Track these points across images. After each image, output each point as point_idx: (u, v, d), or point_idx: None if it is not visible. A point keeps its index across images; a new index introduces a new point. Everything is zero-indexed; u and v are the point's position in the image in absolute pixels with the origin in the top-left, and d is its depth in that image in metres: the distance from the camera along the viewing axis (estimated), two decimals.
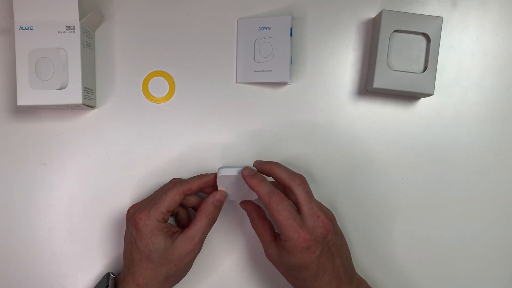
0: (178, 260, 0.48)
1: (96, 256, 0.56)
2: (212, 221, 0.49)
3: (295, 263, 0.46)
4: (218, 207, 0.50)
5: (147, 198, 0.51)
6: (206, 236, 0.49)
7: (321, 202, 0.50)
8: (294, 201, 0.47)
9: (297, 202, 0.47)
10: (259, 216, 0.51)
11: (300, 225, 0.45)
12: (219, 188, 0.50)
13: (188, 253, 0.48)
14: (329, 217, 0.47)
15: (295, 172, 0.48)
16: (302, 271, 0.46)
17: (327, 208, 0.50)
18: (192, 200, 0.52)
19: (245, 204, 0.52)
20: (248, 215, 0.52)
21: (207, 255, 0.55)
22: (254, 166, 0.50)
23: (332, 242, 0.47)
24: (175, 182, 0.49)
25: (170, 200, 0.48)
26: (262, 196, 0.46)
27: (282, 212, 0.45)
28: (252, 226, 0.51)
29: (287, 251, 0.46)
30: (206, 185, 0.50)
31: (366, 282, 0.51)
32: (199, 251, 0.49)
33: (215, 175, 0.50)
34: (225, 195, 0.50)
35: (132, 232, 0.48)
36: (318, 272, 0.46)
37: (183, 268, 0.49)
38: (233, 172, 0.48)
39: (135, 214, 0.48)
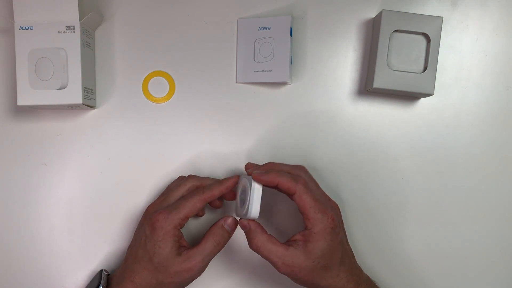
0: (175, 274, 0.47)
1: (96, 256, 0.56)
2: (218, 245, 0.48)
3: (325, 249, 0.45)
4: (228, 232, 0.48)
5: (163, 195, 0.51)
6: (210, 259, 0.48)
7: None
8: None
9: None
10: (263, 231, 0.47)
11: (326, 207, 0.46)
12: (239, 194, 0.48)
13: (185, 270, 0.47)
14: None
15: (291, 165, 0.49)
16: (331, 257, 0.46)
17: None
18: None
19: (250, 220, 0.47)
20: (250, 233, 0.47)
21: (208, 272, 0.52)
22: (256, 175, 0.47)
23: (343, 225, 0.49)
24: (198, 190, 0.48)
25: (191, 207, 0.47)
26: (287, 183, 0.45)
27: (310, 194, 0.45)
28: (256, 245, 0.46)
29: (316, 239, 0.45)
30: (227, 190, 0.49)
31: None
32: (200, 273, 0.48)
33: (236, 179, 0.49)
34: (236, 222, 0.49)
35: (146, 230, 0.48)
36: (343, 255, 0.47)
37: (178, 283, 0.48)
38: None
39: (154, 213, 0.48)
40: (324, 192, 0.50)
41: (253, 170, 0.48)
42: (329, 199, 0.49)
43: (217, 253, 0.48)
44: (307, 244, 0.45)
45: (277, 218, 0.56)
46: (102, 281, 0.50)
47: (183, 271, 0.47)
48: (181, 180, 0.52)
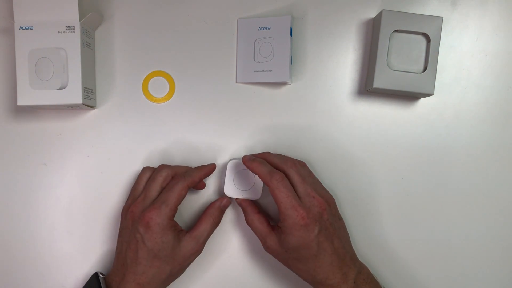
0: (183, 259, 0.49)
1: (96, 256, 0.56)
2: (216, 224, 0.52)
3: (295, 244, 0.47)
4: (223, 211, 0.53)
5: (143, 192, 0.50)
6: (209, 237, 0.51)
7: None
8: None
9: (291, 184, 0.49)
10: (254, 210, 0.52)
11: (299, 203, 0.47)
12: (226, 176, 0.53)
13: (193, 253, 0.50)
14: (325, 198, 0.49)
15: (287, 157, 0.51)
16: (303, 252, 0.47)
17: (326, 191, 0.51)
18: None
19: (241, 200, 0.53)
20: (243, 211, 0.53)
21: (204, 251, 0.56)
22: (245, 159, 0.52)
23: (329, 222, 0.48)
24: (178, 178, 0.50)
25: (178, 196, 0.49)
26: (263, 176, 0.48)
27: (282, 189, 0.47)
28: (247, 222, 0.52)
29: (286, 232, 0.47)
30: (206, 176, 0.53)
31: (367, 268, 0.51)
32: (201, 252, 0.51)
33: (213, 167, 0.53)
34: (230, 201, 0.54)
35: (140, 230, 0.48)
36: (319, 251, 0.47)
37: (184, 267, 0.51)
38: (240, 161, 0.53)
39: (143, 213, 0.48)
40: (308, 188, 0.48)
41: (247, 156, 0.52)
42: (313, 196, 0.48)
43: (214, 231, 0.52)
44: (281, 234, 0.48)
45: None
46: (102, 285, 0.49)
47: (190, 255, 0.50)
48: (153, 172, 0.52)
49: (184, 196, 0.49)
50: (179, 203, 0.49)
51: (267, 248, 0.50)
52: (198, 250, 0.50)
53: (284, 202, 0.47)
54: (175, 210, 0.49)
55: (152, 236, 0.47)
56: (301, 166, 0.51)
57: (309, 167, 0.52)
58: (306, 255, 0.47)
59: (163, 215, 0.47)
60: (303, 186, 0.48)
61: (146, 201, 0.49)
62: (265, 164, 0.49)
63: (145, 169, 0.53)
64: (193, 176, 0.50)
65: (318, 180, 0.52)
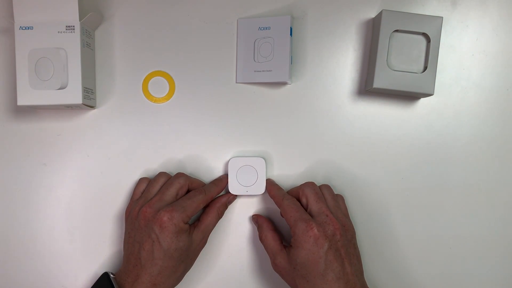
0: (194, 253, 0.52)
1: (96, 256, 0.56)
2: (220, 218, 0.54)
3: (303, 258, 0.46)
4: (227, 207, 0.55)
5: (158, 195, 0.50)
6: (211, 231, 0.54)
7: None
8: (305, 204, 0.50)
9: (307, 202, 0.50)
10: (269, 227, 0.53)
11: (310, 218, 0.47)
12: (229, 174, 0.54)
13: (202, 245, 0.52)
14: (342, 222, 0.48)
15: (284, 194, 0.52)
16: (310, 268, 0.46)
17: (348, 218, 0.51)
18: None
19: (257, 216, 0.55)
20: (258, 227, 0.54)
21: (211, 254, 0.56)
22: (268, 181, 0.55)
23: (341, 244, 0.47)
24: (199, 192, 0.52)
25: (196, 207, 0.50)
26: (277, 198, 0.51)
27: (292, 206, 0.49)
28: (261, 238, 0.53)
29: (296, 245, 0.47)
30: (222, 190, 0.55)
31: None
32: (205, 244, 0.53)
33: (226, 179, 0.54)
34: (236, 197, 0.56)
35: (155, 231, 0.48)
36: (326, 271, 0.45)
37: (194, 261, 0.53)
38: (245, 160, 0.54)
39: (158, 213, 0.48)
40: (323, 207, 0.48)
41: (271, 179, 0.55)
42: (327, 215, 0.47)
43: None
44: (291, 249, 0.48)
45: None
46: (115, 285, 0.48)
47: (200, 248, 0.53)
48: (169, 178, 0.53)
49: (201, 208, 0.51)
50: (194, 214, 0.50)
51: (275, 266, 0.50)
52: (205, 242, 0.53)
53: (294, 215, 0.48)
54: (189, 218, 0.49)
55: (168, 236, 0.47)
56: (325, 188, 0.52)
57: (333, 190, 0.53)
58: (313, 272, 0.45)
59: (180, 218, 0.48)
60: (318, 205, 0.49)
61: (162, 203, 0.49)
62: (280, 189, 0.53)
63: (161, 174, 0.54)
64: (212, 192, 0.53)
65: (344, 207, 0.52)
